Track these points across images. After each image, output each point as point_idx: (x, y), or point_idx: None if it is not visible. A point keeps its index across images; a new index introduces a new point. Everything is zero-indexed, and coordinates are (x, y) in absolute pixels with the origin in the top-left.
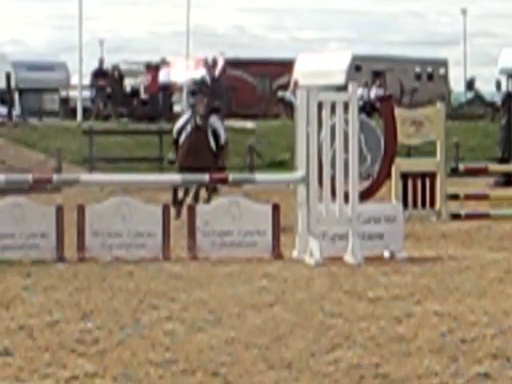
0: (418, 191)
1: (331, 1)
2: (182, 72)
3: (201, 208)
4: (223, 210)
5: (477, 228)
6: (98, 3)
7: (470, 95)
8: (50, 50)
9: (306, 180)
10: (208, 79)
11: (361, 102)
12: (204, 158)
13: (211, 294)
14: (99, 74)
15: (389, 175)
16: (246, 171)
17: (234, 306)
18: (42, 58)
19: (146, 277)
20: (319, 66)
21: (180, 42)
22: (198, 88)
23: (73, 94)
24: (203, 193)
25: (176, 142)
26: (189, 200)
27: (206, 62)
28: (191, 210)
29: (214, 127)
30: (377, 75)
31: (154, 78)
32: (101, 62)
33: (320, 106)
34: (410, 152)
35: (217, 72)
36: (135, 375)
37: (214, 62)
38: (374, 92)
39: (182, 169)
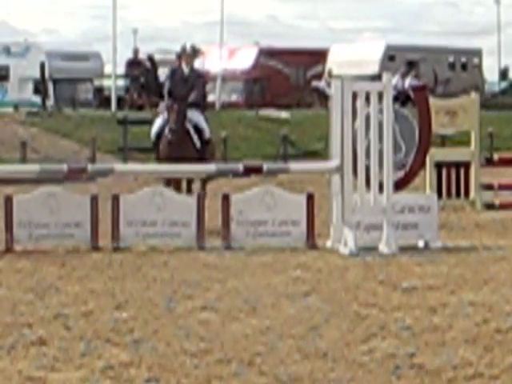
0: (453, 181)
1: None
2: (215, 61)
3: (235, 198)
4: (257, 200)
5: (511, 218)
6: None
7: (503, 85)
8: (84, 40)
9: (340, 170)
10: (186, 71)
11: (394, 92)
12: (188, 159)
13: (246, 284)
14: (134, 63)
15: (423, 165)
16: (279, 161)
17: (269, 295)
18: (76, 47)
19: (181, 266)
20: (353, 56)
21: (213, 32)
22: (170, 82)
23: (107, 83)
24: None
25: (156, 145)
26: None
27: (183, 51)
28: (226, 200)
29: (194, 122)
30: (410, 65)
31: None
32: (135, 51)
33: (354, 95)
34: (443, 142)
35: (196, 63)
36: (170, 365)
37: (194, 52)
38: (409, 82)
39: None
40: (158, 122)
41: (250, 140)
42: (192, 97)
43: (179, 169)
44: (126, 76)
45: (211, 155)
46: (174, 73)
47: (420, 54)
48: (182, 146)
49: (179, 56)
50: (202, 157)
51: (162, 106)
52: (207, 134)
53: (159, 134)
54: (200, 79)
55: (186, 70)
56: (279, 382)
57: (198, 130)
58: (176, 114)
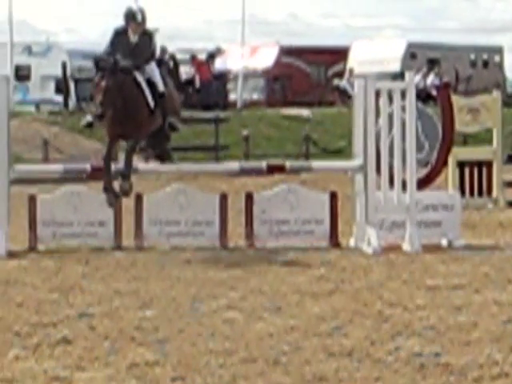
0: (475, 179)
1: None
2: (236, 60)
3: (258, 196)
4: (281, 199)
5: None
6: None
7: None
8: (105, 39)
9: (363, 168)
10: (133, 39)
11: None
12: (133, 119)
13: (269, 283)
14: (160, 62)
15: (446, 163)
16: (301, 159)
17: (293, 294)
18: (97, 47)
19: (204, 265)
20: (374, 54)
21: (234, 30)
22: (110, 47)
23: None
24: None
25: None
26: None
27: (130, 16)
28: (249, 199)
29: (148, 76)
30: (432, 63)
31: (203, 68)
32: (163, 50)
33: (377, 94)
34: (466, 140)
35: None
36: (195, 364)
37: (143, 17)
38: (431, 80)
39: (113, 137)
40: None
41: (271, 138)
42: (140, 61)
43: (202, 168)
44: None
45: (168, 109)
46: (117, 37)
47: (441, 51)
48: (129, 102)
49: (126, 22)
50: (153, 112)
51: None
52: (161, 87)
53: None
54: (147, 39)
55: (133, 38)
56: (304, 381)
57: (152, 85)
58: (103, 93)
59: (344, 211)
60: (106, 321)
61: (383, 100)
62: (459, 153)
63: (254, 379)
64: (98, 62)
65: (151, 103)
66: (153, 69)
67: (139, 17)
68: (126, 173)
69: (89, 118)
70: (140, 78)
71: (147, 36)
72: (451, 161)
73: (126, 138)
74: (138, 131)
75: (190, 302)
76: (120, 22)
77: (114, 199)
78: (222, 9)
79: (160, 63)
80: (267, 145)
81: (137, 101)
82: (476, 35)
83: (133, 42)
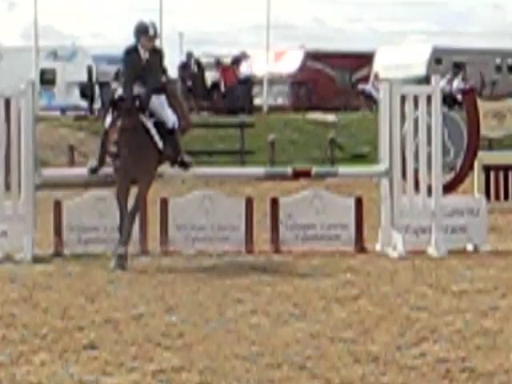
0: (501, 184)
1: None
2: (262, 65)
3: (284, 201)
4: (306, 204)
5: None
6: None
7: None
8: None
9: (389, 173)
10: (143, 56)
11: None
12: (144, 161)
13: (295, 288)
14: (186, 66)
15: (471, 168)
16: (326, 164)
17: (319, 299)
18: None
19: (230, 270)
20: (399, 59)
21: (259, 35)
22: (125, 63)
23: None
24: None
25: (104, 141)
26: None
27: (142, 26)
28: (274, 204)
29: (154, 116)
30: (457, 67)
31: (228, 72)
32: (189, 55)
33: (403, 99)
34: (491, 144)
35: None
36: (221, 369)
37: (155, 32)
38: (457, 84)
39: (124, 178)
40: (109, 117)
41: (297, 143)
42: (150, 84)
43: (227, 173)
44: (180, 79)
45: (175, 151)
46: (128, 56)
47: (467, 56)
48: (136, 141)
49: (137, 37)
50: (165, 155)
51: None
52: (170, 124)
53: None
54: (157, 57)
55: (143, 55)
56: None
57: (160, 123)
58: (119, 132)
59: (369, 216)
60: (132, 326)
61: (409, 105)
62: (485, 157)
63: None
64: (115, 101)
65: (159, 143)
66: (161, 102)
67: (151, 31)
68: (123, 239)
69: (93, 163)
70: (148, 123)
71: (157, 53)
72: (477, 165)
73: (135, 178)
74: (147, 172)
75: (216, 307)
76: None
77: (124, 264)
78: (247, 14)
79: (185, 66)
80: (292, 149)
81: (147, 142)
82: (501, 40)
83: (144, 58)
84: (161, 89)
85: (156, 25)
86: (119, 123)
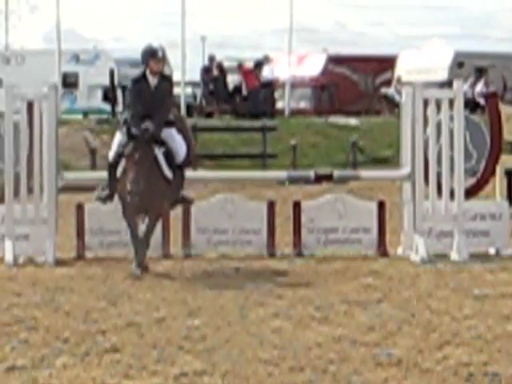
0: None
1: None
2: (284, 68)
3: (306, 205)
4: (328, 207)
5: None
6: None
7: None
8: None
9: (411, 177)
10: (152, 83)
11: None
12: (153, 195)
13: (317, 292)
14: (208, 70)
15: (494, 172)
16: (349, 168)
17: (341, 303)
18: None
19: (252, 274)
20: (422, 63)
21: (282, 39)
22: (133, 94)
23: (175, 90)
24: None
25: (113, 170)
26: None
27: (150, 49)
28: (297, 207)
29: (165, 147)
30: (479, 71)
31: (250, 76)
32: (211, 58)
33: (425, 102)
34: None
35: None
36: (244, 373)
37: (163, 55)
38: (479, 88)
39: (132, 212)
40: (117, 140)
41: (319, 147)
42: (160, 117)
43: (250, 176)
44: (197, 84)
45: (179, 188)
46: (136, 84)
47: (489, 60)
48: (146, 173)
49: (146, 60)
50: (171, 189)
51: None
52: (180, 158)
53: (119, 157)
54: (167, 86)
55: (152, 80)
56: None
57: (170, 155)
58: (135, 170)
59: (392, 220)
60: (154, 329)
61: (431, 109)
62: (507, 161)
63: None
64: (130, 129)
65: (169, 174)
66: (172, 134)
67: (160, 54)
68: (138, 260)
69: (104, 193)
70: (159, 154)
71: (167, 79)
72: (499, 170)
73: (146, 209)
74: (158, 207)
75: (238, 311)
76: (165, 31)
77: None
78: (269, 18)
79: (207, 70)
80: (315, 153)
81: (158, 172)
82: None
83: (152, 85)
84: (171, 122)
85: (165, 49)
86: (136, 156)
